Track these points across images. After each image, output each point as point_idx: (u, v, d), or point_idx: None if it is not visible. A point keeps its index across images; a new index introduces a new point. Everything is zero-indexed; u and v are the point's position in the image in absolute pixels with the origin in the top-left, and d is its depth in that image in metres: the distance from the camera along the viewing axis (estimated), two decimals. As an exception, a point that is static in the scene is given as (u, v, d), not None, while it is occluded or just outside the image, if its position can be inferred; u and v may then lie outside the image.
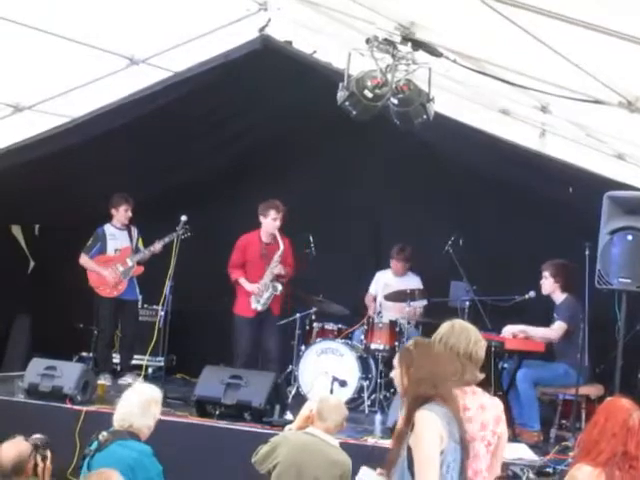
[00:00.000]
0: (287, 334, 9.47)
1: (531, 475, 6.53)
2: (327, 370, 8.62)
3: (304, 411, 5.56)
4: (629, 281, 7.02)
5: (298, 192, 10.02)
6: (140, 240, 9.69)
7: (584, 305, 7.74)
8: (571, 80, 5.92)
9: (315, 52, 7.76)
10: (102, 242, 9.55)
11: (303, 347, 9.16)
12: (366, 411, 8.56)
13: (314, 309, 9.46)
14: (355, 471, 4.99)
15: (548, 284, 8.18)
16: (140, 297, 9.97)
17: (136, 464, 4.84)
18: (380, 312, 9.46)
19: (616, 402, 4.39)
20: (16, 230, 10.50)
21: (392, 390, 8.38)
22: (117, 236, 9.59)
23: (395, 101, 6.27)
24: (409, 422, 3.99)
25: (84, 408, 7.78)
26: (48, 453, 4.55)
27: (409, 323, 9.19)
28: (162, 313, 9.20)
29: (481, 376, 4.35)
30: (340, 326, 9.44)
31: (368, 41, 6.11)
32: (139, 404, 5.16)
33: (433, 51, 6.15)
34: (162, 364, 9.25)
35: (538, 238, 9.18)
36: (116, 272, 9.47)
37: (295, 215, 9.26)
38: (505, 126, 7.81)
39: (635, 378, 7.71)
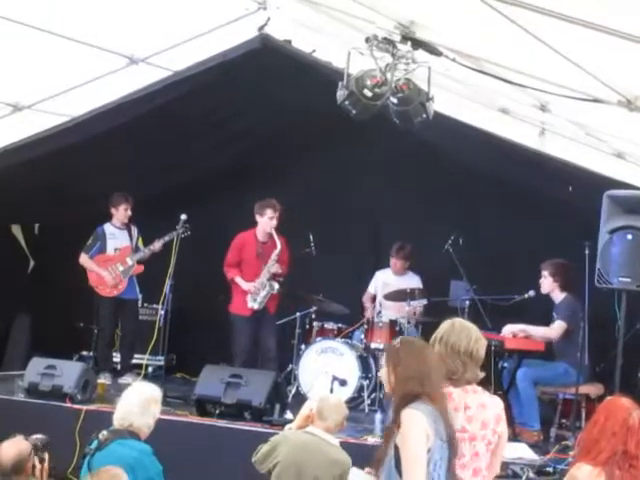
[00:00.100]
0: (287, 333, 9.48)
1: (531, 474, 6.54)
2: (327, 369, 8.62)
3: (304, 410, 5.55)
4: (629, 280, 7.02)
5: (298, 191, 10.03)
6: (140, 239, 9.69)
7: (584, 304, 7.74)
8: (571, 79, 5.92)
9: (314, 51, 7.76)
10: (102, 241, 9.55)
11: (303, 346, 9.15)
12: (366, 410, 8.56)
13: (314, 308, 9.45)
14: (355, 471, 5.00)
15: (547, 283, 8.18)
16: (140, 296, 9.97)
17: (136, 463, 4.84)
18: (380, 311, 9.46)
19: (616, 401, 4.39)
20: (16, 229, 10.50)
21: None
22: (117, 235, 9.60)
23: (395, 100, 6.27)
24: (396, 421, 4.02)
25: (84, 407, 7.79)
26: (46, 456, 4.56)
27: (409, 322, 9.19)
28: (162, 312, 9.20)
29: (482, 375, 4.36)
30: (340, 325, 9.45)
31: (368, 40, 6.10)
32: (139, 403, 5.17)
33: (433, 50, 6.14)
34: (162, 363, 9.24)
35: (538, 237, 9.18)
36: (116, 271, 9.47)
37: (295, 215, 9.26)
38: (505, 125, 7.81)
39: (635, 377, 7.72)
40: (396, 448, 3.98)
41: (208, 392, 7.90)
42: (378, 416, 8.32)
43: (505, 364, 8.13)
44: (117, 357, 9.83)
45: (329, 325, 9.43)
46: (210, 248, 9.60)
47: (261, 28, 7.64)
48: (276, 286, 9.02)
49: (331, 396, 6.55)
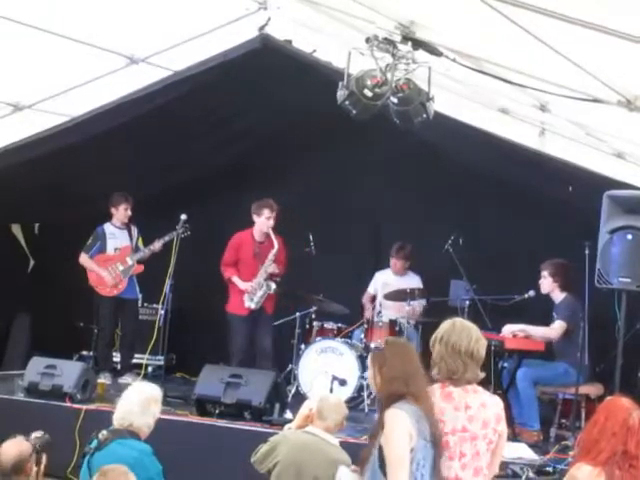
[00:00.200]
0: (286, 333, 9.48)
1: (531, 474, 6.53)
2: (327, 369, 8.61)
3: (303, 410, 5.56)
4: (629, 280, 7.02)
5: (298, 191, 10.03)
6: (140, 239, 9.69)
7: (584, 304, 7.73)
8: (570, 79, 5.92)
9: (315, 51, 7.76)
10: (102, 241, 9.55)
11: (303, 346, 9.15)
12: (366, 410, 8.56)
13: (314, 308, 9.45)
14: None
15: (547, 283, 8.18)
16: (140, 296, 9.97)
17: (136, 463, 4.83)
18: (380, 311, 9.46)
19: (616, 401, 4.39)
20: (16, 229, 10.51)
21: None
22: (117, 235, 9.60)
23: (395, 100, 6.27)
24: (380, 421, 4.04)
25: (84, 407, 7.80)
26: (44, 458, 4.56)
27: (409, 322, 9.20)
28: (162, 312, 9.20)
29: (482, 375, 4.37)
30: (340, 325, 9.45)
31: (368, 40, 6.10)
32: (139, 403, 5.17)
33: (433, 50, 6.15)
34: (162, 363, 9.24)
35: (538, 237, 9.18)
36: (116, 271, 9.47)
37: (295, 215, 9.26)
38: (504, 125, 7.81)
39: (635, 377, 7.72)
40: (380, 448, 4.02)
41: (208, 392, 7.90)
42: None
43: (505, 364, 8.13)
44: (117, 357, 9.83)
45: (329, 325, 9.43)
46: (210, 248, 9.60)
47: (261, 28, 7.64)
48: (273, 286, 9.03)
49: (331, 396, 6.54)
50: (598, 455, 4.17)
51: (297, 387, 8.87)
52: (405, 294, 9.25)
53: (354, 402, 8.60)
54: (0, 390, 8.43)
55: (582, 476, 4.18)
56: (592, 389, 8.02)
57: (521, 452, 7.09)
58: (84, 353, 10.07)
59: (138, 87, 8.15)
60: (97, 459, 4.94)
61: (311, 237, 9.42)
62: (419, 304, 9.42)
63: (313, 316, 9.47)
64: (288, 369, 9.22)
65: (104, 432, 5.10)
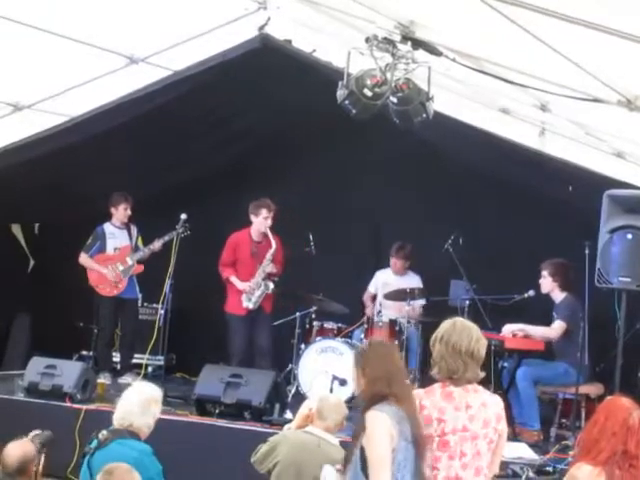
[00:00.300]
0: (286, 333, 9.47)
1: (531, 474, 6.53)
2: (327, 369, 8.60)
3: (303, 410, 5.56)
4: (629, 280, 7.02)
5: (298, 191, 10.03)
6: (140, 239, 9.69)
7: (584, 304, 7.73)
8: (571, 79, 5.92)
9: (315, 51, 7.76)
10: (102, 241, 9.55)
11: (303, 346, 9.14)
12: (366, 410, 8.55)
13: (314, 308, 9.44)
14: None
15: (546, 283, 8.17)
16: (140, 296, 9.97)
17: (136, 463, 4.82)
18: (380, 311, 9.46)
19: (616, 401, 4.39)
20: (16, 229, 10.51)
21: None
22: (117, 235, 9.59)
23: (394, 100, 6.27)
24: (363, 422, 4.05)
25: (84, 407, 7.80)
26: (42, 458, 4.56)
27: (409, 322, 9.20)
28: (162, 312, 9.20)
29: (482, 374, 4.37)
30: (340, 325, 9.44)
31: (368, 40, 6.10)
32: (139, 403, 5.17)
33: (433, 50, 6.14)
34: (162, 363, 9.24)
35: (538, 237, 9.17)
36: (116, 271, 9.47)
37: (295, 215, 9.26)
38: (505, 125, 7.81)
39: (635, 377, 7.72)
40: (362, 449, 4.03)
41: (208, 392, 7.90)
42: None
43: (505, 364, 8.12)
44: (117, 357, 9.82)
45: (329, 325, 9.43)
46: (210, 248, 9.60)
47: (261, 28, 7.63)
48: (271, 286, 9.03)
49: (331, 396, 6.54)
50: (598, 455, 4.17)
51: (297, 387, 8.86)
52: (405, 294, 9.24)
53: (354, 402, 8.57)
54: (0, 390, 8.43)
55: (582, 476, 4.18)
56: (592, 389, 8.02)
57: (521, 452, 7.09)
58: (84, 353, 10.07)
59: (138, 87, 8.15)
60: (97, 459, 4.94)
61: (311, 237, 9.42)
62: (419, 304, 9.41)
63: (313, 316, 9.47)
64: (288, 369, 9.21)
65: (104, 432, 5.10)
